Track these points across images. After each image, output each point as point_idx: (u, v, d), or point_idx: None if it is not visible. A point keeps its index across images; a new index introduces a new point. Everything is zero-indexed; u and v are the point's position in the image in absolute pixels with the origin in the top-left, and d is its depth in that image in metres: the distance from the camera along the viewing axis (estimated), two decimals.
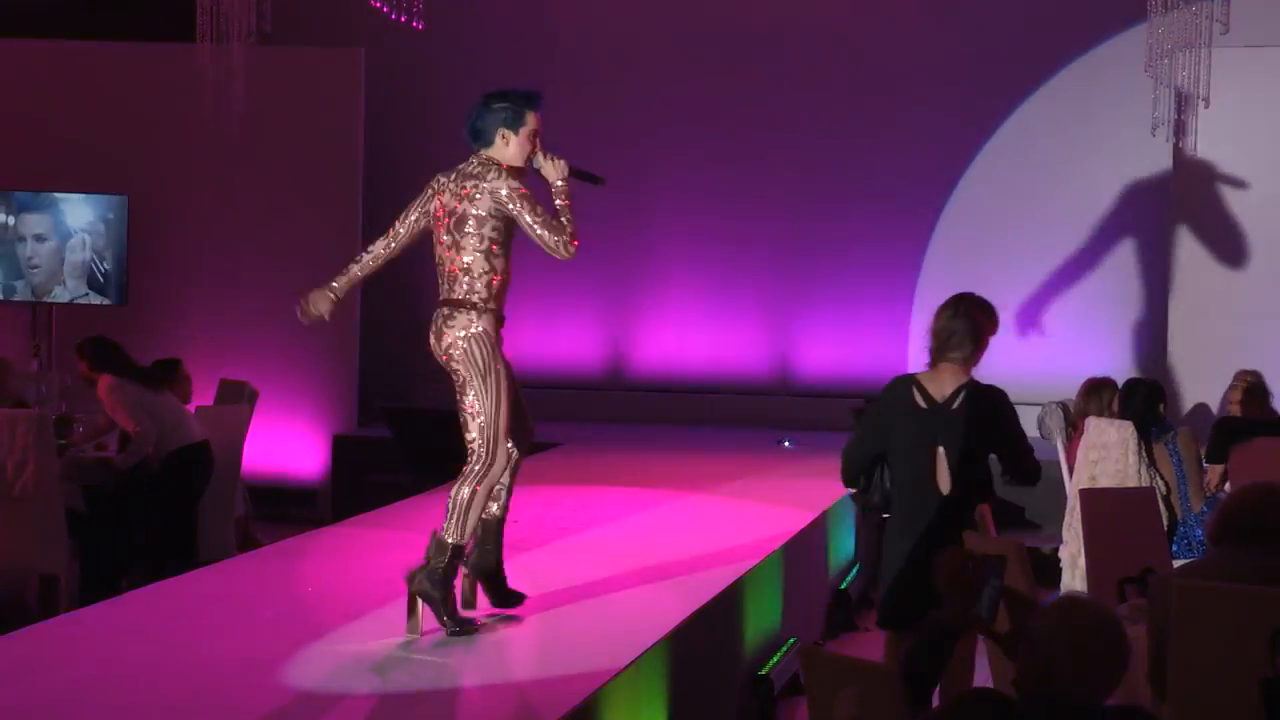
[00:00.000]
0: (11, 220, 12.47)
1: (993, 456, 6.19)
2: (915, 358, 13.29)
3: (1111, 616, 4.00)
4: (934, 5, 13.32)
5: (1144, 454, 8.86)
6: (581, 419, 12.91)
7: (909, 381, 6.26)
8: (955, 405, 6.16)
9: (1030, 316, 13.02)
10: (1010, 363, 12.94)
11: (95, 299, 12.46)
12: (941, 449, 6.11)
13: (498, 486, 6.23)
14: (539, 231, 6.07)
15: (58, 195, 12.47)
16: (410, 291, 13.75)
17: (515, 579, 7.01)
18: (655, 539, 8.12)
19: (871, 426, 6.37)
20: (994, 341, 12.97)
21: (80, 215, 12.44)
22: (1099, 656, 3.89)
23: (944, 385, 6.22)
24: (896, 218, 13.28)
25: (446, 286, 6.20)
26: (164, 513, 9.07)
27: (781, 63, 13.39)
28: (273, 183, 12.90)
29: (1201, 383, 11.80)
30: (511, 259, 6.18)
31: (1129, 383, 9.35)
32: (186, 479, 9.12)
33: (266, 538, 9.68)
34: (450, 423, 11.03)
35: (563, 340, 13.43)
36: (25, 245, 12.44)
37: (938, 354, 6.26)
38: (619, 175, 13.19)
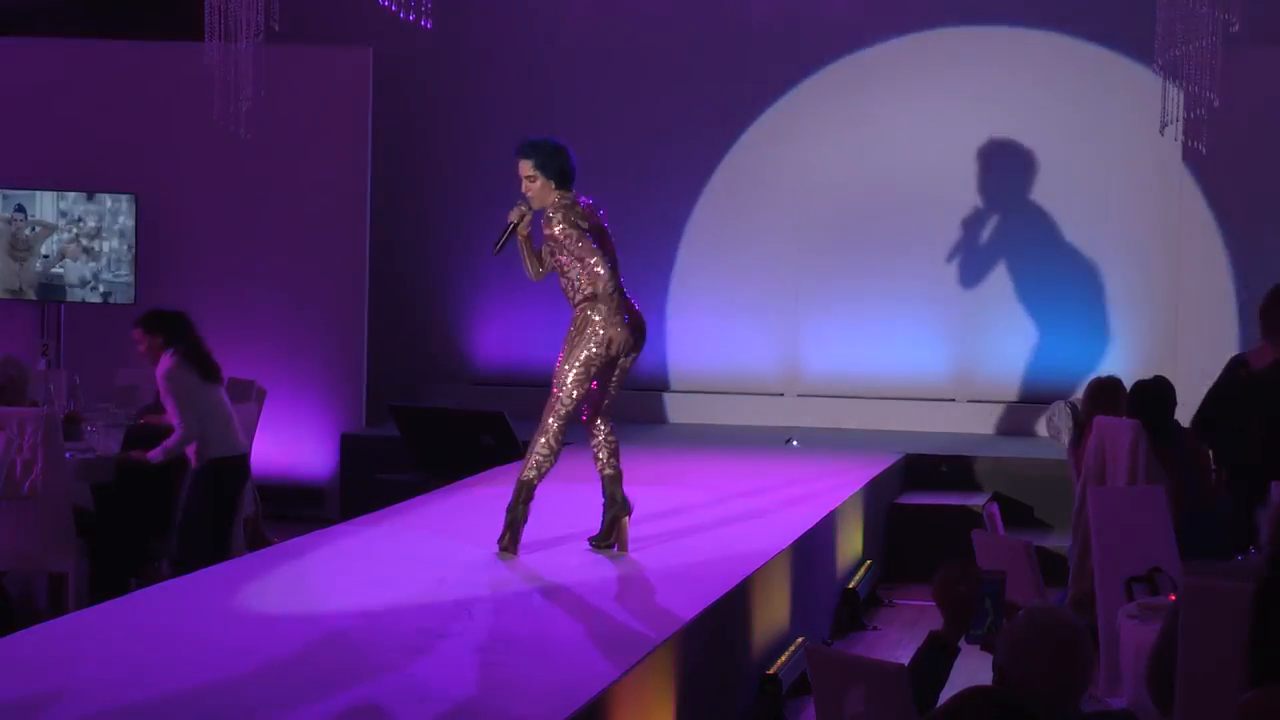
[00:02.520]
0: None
1: None
2: (918, 353, 13.29)
3: (1071, 626, 4.07)
4: (936, 6, 13.32)
5: (1152, 453, 8.86)
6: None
7: (1242, 357, 8.14)
8: (1268, 374, 7.85)
9: (1034, 314, 13.03)
10: (1018, 362, 12.99)
11: (106, 297, 12.49)
12: (1256, 413, 7.84)
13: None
14: None
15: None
16: (417, 291, 13.78)
17: (520, 576, 7.07)
18: (663, 538, 8.13)
19: (1211, 396, 8.33)
20: (999, 338, 13.08)
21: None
22: (1053, 665, 3.97)
23: (1264, 358, 7.94)
24: (902, 220, 13.28)
25: None
26: (194, 522, 8.88)
27: (788, 60, 13.37)
28: (281, 181, 12.91)
29: (1210, 382, 11.79)
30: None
31: (1139, 383, 9.33)
32: (220, 490, 8.96)
33: (275, 537, 9.71)
34: (457, 421, 11.05)
35: (552, 341, 13.39)
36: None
37: (1262, 333, 8.09)
38: (626, 174, 13.34)
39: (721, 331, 13.51)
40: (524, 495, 7.51)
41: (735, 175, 13.52)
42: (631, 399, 13.25)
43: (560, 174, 7.49)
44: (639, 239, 13.45)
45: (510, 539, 7.50)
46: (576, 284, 7.51)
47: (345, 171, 12.92)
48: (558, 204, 7.46)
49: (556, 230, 7.44)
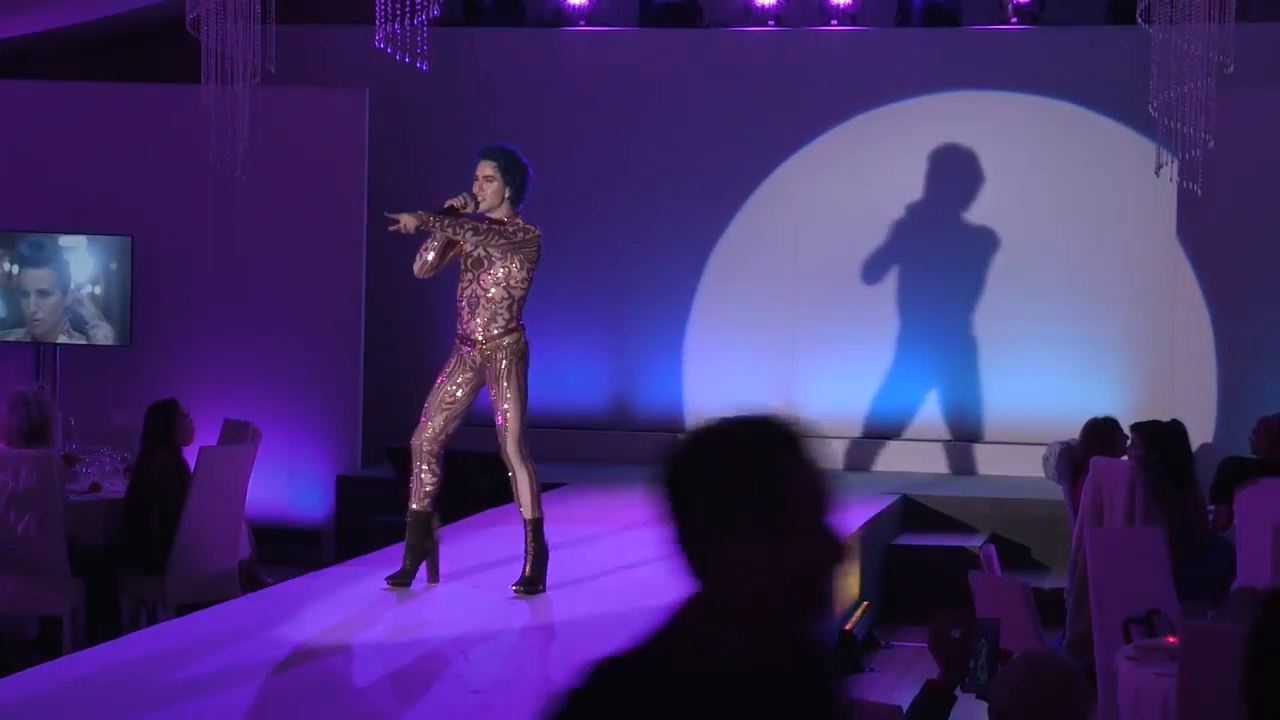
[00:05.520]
0: (14, 269, 12.49)
1: None
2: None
3: (1067, 669, 4.04)
4: (928, 40, 13.37)
5: (1149, 494, 8.85)
6: (586, 460, 12.92)
7: None
8: None
9: (1031, 356, 13.04)
10: (1016, 402, 12.97)
11: (100, 340, 12.48)
12: None
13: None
14: None
15: (62, 244, 12.48)
16: (413, 332, 13.77)
17: (519, 617, 7.05)
18: (660, 580, 8.09)
19: None
20: (996, 379, 13.04)
21: (84, 265, 12.45)
22: (1050, 708, 3.94)
23: None
24: (909, 258, 13.31)
25: None
26: None
27: (780, 100, 13.41)
28: (277, 223, 12.88)
29: (1207, 422, 11.79)
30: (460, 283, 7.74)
31: (1162, 425, 9.35)
32: None
33: (271, 578, 9.68)
34: (454, 463, 11.08)
35: (568, 382, 13.44)
36: (29, 300, 12.47)
37: None
38: (622, 216, 13.37)
39: (717, 371, 13.53)
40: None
41: (734, 227, 13.55)
42: (635, 439, 13.32)
43: (518, 187, 7.56)
44: (634, 284, 13.51)
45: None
46: (496, 310, 7.55)
47: (341, 212, 12.89)
48: (526, 229, 7.51)
49: (517, 243, 7.45)
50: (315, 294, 12.91)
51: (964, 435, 13.09)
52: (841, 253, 13.33)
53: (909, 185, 13.23)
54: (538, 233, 7.58)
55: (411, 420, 13.00)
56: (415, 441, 7.66)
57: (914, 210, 13.22)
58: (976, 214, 13.19)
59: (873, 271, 13.28)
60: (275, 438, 11.61)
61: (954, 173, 13.20)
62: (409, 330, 13.74)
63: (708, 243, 13.54)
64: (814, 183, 13.40)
